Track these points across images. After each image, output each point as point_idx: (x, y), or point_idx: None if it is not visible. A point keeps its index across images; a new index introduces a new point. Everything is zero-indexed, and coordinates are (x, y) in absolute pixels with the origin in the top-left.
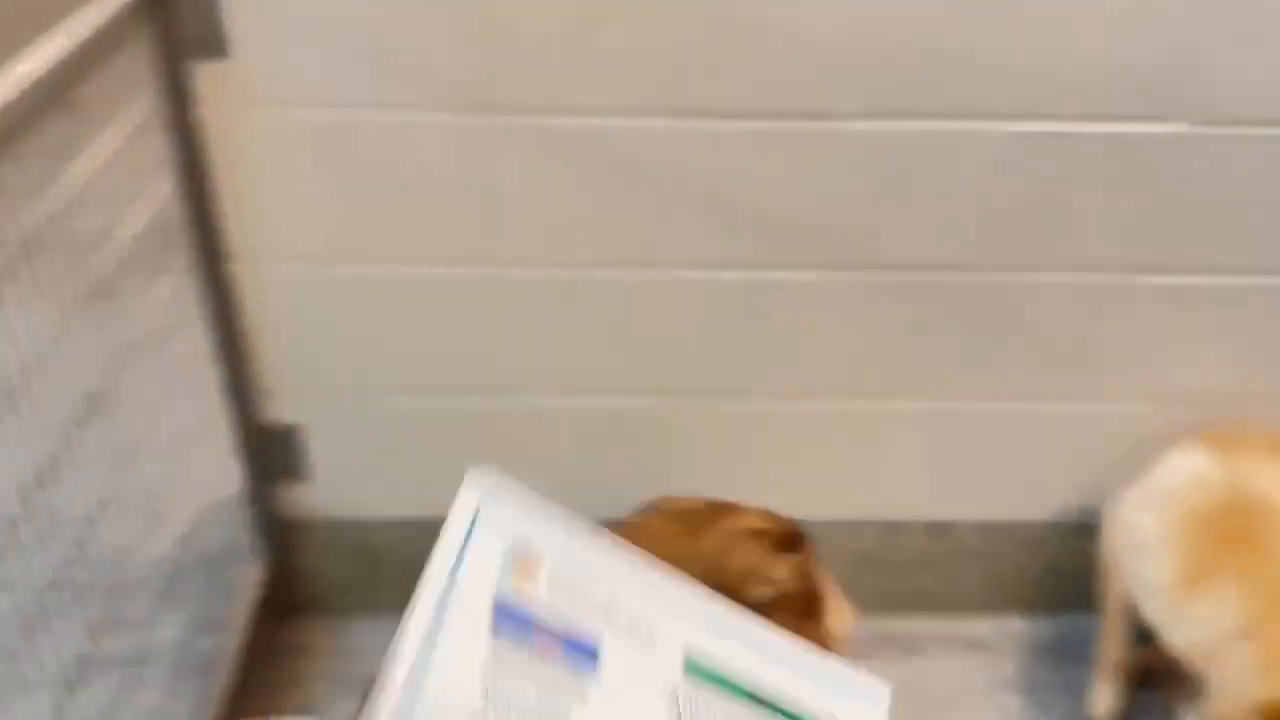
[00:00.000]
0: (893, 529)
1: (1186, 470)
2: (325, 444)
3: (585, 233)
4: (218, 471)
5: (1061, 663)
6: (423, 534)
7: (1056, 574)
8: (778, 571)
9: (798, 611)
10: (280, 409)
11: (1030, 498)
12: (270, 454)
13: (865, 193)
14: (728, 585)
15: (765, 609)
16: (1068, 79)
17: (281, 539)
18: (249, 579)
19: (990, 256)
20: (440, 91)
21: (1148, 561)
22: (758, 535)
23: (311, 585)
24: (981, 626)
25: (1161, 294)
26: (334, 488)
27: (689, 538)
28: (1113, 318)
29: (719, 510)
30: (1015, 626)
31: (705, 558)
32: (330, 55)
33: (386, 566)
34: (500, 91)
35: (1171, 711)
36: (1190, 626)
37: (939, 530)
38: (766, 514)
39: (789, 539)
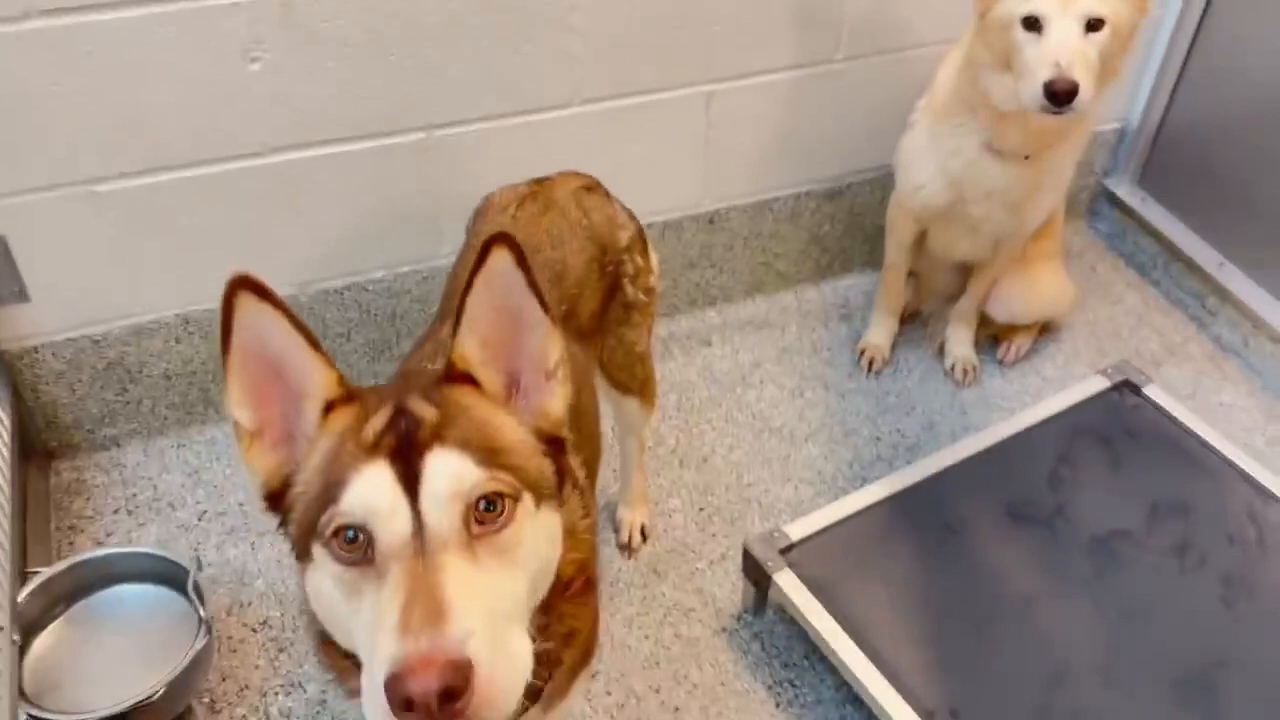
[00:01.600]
0: (671, 228)
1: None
2: (35, 254)
3: None
4: None
5: (830, 322)
6: (174, 338)
7: (817, 244)
8: (621, 214)
9: (640, 250)
10: None
11: (785, 174)
12: None
13: None
14: (604, 240)
15: (627, 250)
16: None
17: (16, 374)
18: None
19: None
20: None
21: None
22: (590, 189)
23: (66, 419)
24: (759, 307)
25: None
26: (59, 303)
27: (551, 214)
28: None
29: (545, 185)
30: (787, 301)
31: (578, 225)
32: None
33: (143, 381)
34: None
35: (929, 332)
36: None
37: (712, 220)
38: (569, 172)
39: (599, 185)
